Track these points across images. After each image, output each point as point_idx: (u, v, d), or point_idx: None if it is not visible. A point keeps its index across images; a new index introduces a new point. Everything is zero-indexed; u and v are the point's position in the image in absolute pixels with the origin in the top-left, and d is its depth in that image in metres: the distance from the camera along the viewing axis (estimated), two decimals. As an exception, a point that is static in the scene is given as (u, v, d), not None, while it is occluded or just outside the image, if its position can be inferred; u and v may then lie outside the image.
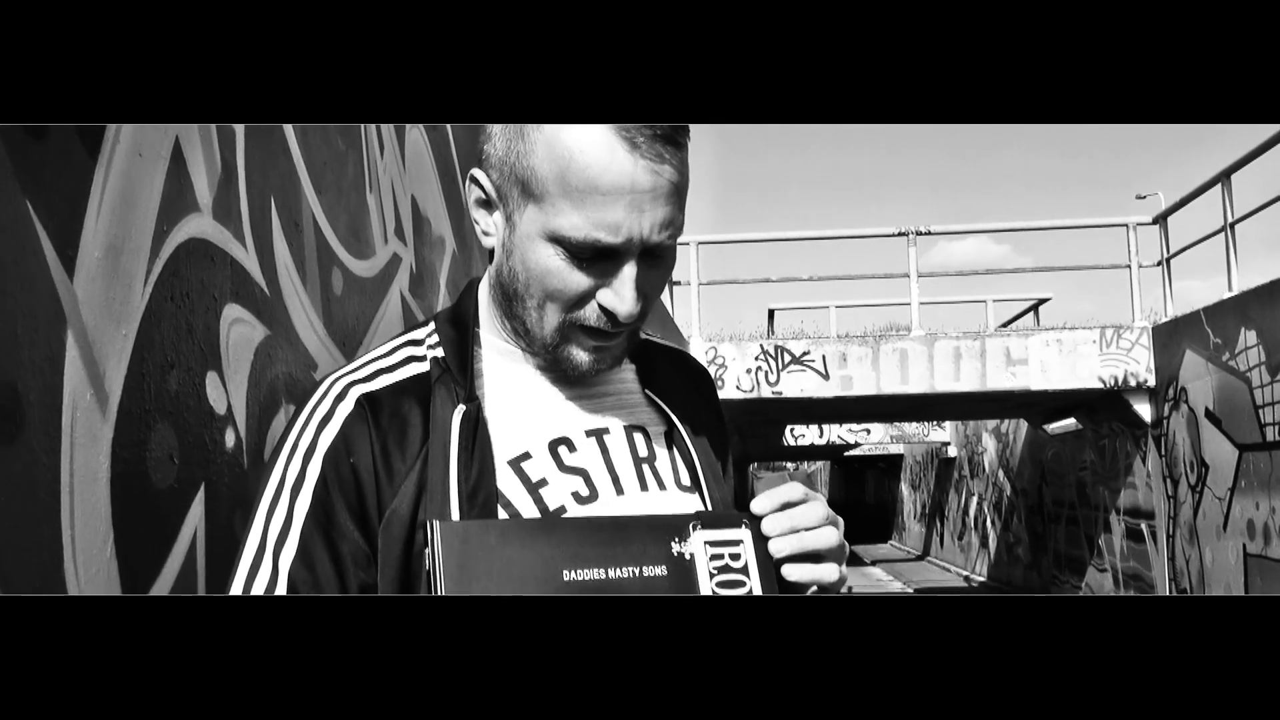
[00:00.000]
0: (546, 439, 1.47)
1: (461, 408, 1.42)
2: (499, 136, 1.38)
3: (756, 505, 1.40)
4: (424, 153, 3.29)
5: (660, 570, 1.33)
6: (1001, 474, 22.16)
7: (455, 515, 1.35)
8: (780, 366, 13.66)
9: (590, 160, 1.30)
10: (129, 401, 1.64)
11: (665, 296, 13.34)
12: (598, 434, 1.50)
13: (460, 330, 1.50)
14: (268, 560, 1.36)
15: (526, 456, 1.44)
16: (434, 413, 1.41)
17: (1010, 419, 20.48)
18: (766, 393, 13.57)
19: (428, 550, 1.26)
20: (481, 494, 1.38)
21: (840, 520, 1.44)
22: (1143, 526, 14.28)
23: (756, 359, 13.65)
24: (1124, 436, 14.58)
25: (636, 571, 1.31)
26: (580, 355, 1.43)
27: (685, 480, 1.54)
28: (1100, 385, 13.29)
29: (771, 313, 19.04)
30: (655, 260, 1.39)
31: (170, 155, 1.79)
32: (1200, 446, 12.27)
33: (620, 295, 1.36)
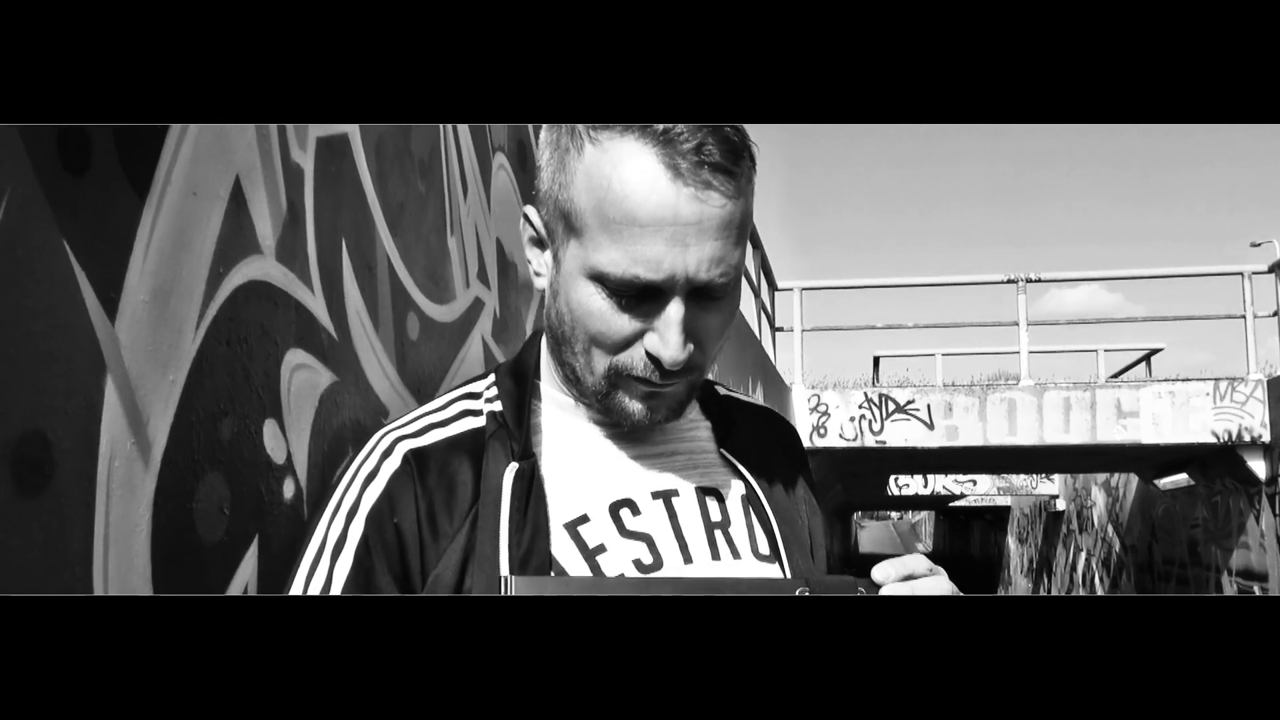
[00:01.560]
0: (607, 501, 1.36)
1: (515, 465, 1.32)
2: (545, 169, 1.29)
3: (878, 573, 1.27)
4: (511, 194, 3.22)
5: None
6: (1110, 529, 21.67)
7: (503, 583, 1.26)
8: (884, 415, 13.45)
9: (629, 190, 1.19)
10: (174, 450, 1.57)
11: (767, 343, 13.22)
12: (665, 496, 1.39)
13: (520, 382, 1.41)
14: None
15: (584, 519, 1.34)
16: (486, 471, 1.32)
17: (1120, 473, 20.03)
18: (870, 442, 13.37)
19: None
20: (535, 560, 1.28)
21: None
22: (1255, 588, 13.83)
23: (860, 407, 13.46)
24: (1237, 494, 14.16)
25: None
26: (632, 405, 1.32)
27: (764, 549, 1.42)
28: (1214, 440, 12.93)
29: (877, 360, 18.83)
30: (709, 302, 1.27)
31: (229, 195, 1.72)
32: (1319, 506, 11.88)
33: (665, 339, 1.24)
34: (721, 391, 1.55)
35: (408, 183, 2.45)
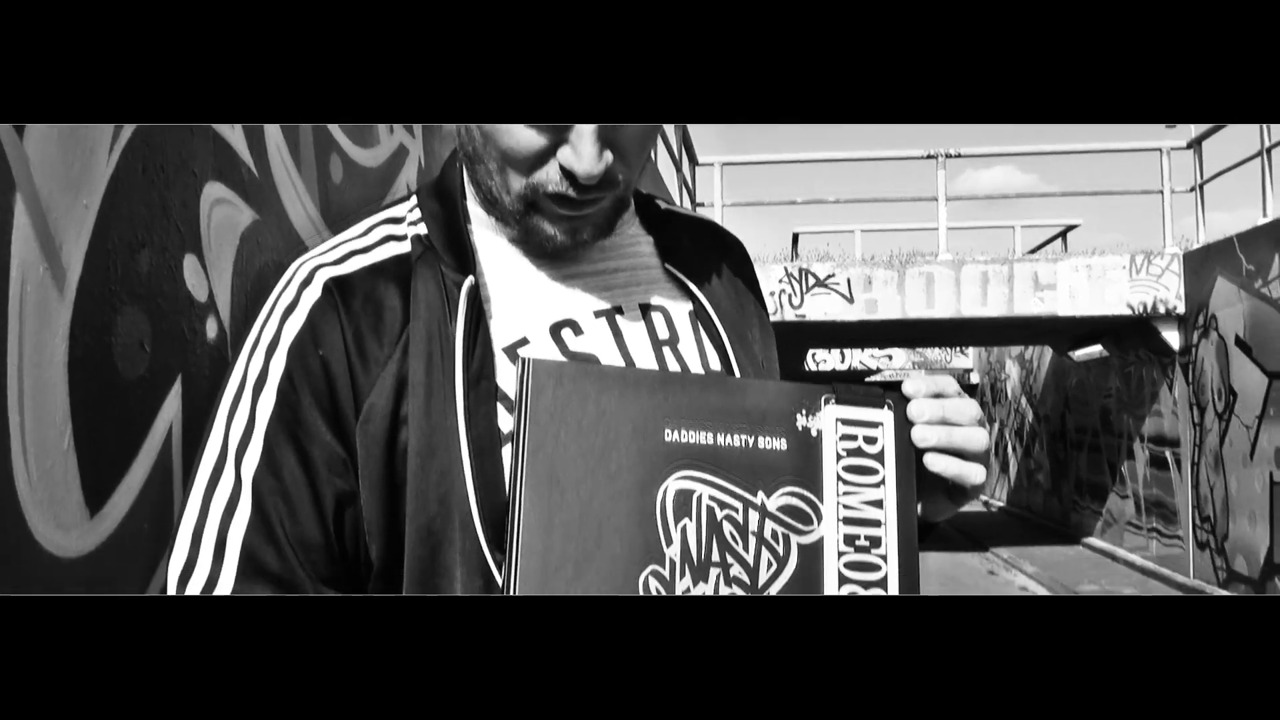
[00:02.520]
0: (547, 322, 1.30)
1: (470, 280, 1.25)
2: None
3: (909, 385, 1.24)
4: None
5: (779, 443, 1.17)
6: (1024, 401, 21.99)
7: (460, 406, 1.19)
8: (804, 289, 13.47)
9: None
10: (90, 280, 1.48)
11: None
12: (608, 315, 1.33)
13: (446, 203, 1.33)
14: (229, 468, 1.21)
15: (523, 342, 1.28)
16: (415, 295, 1.25)
17: (1036, 346, 20.28)
18: (790, 316, 13.39)
19: (516, 390, 1.11)
20: (486, 382, 1.21)
21: (988, 426, 1.27)
22: (1167, 454, 14.12)
23: (780, 282, 13.45)
24: (1151, 364, 14.39)
25: (750, 440, 1.15)
26: (548, 228, 1.26)
27: (715, 365, 1.36)
28: (1129, 312, 13.08)
29: (796, 236, 18.82)
30: None
31: (142, 12, 1.62)
32: (1229, 374, 12.08)
33: (578, 151, 1.18)
34: (663, 206, 1.48)
35: (328, 18, 2.34)
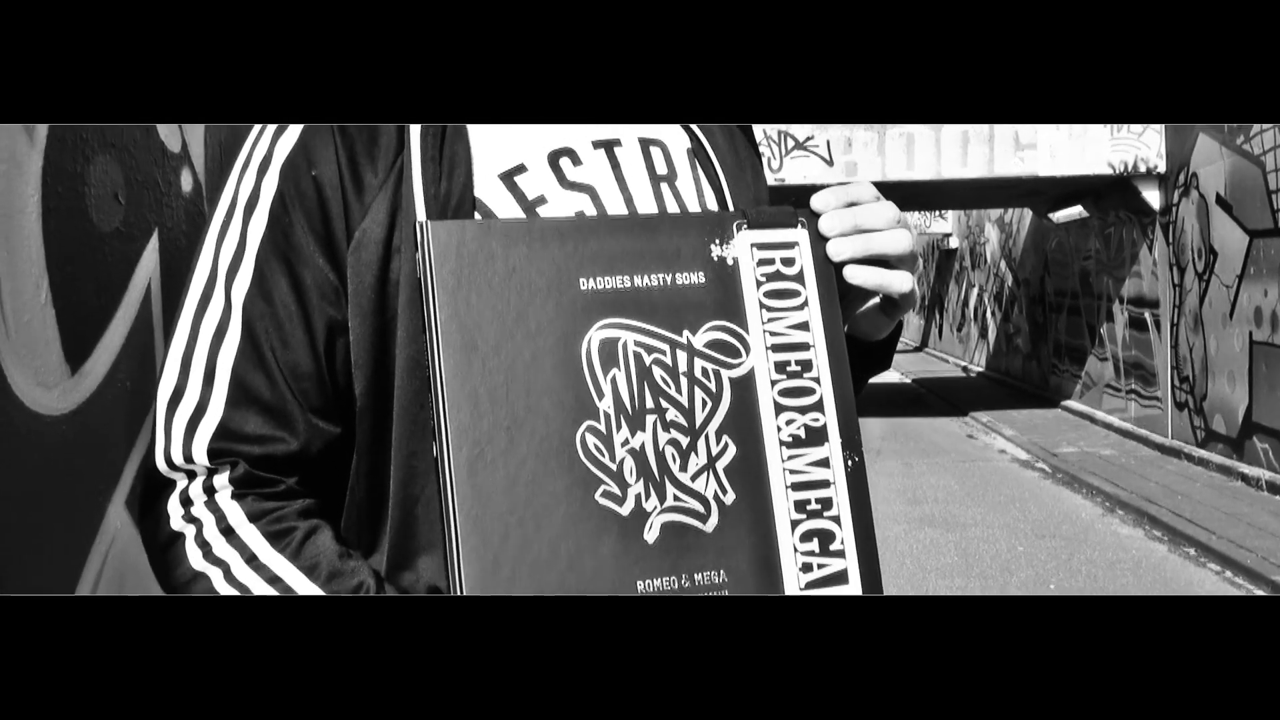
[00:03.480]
0: (545, 150, 1.25)
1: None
2: None
3: (817, 201, 1.18)
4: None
5: (697, 277, 1.12)
6: (1004, 264, 22.01)
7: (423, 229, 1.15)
8: (784, 152, 13.37)
9: None
10: (60, 125, 1.42)
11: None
12: (607, 146, 1.28)
13: None
14: (219, 292, 1.17)
15: (521, 169, 1.23)
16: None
17: (1015, 208, 20.24)
18: (769, 180, 13.21)
19: (418, 256, 1.06)
20: (451, 214, 1.17)
21: (911, 223, 1.22)
22: (1146, 315, 14.16)
23: (759, 144, 13.33)
24: (1131, 224, 14.37)
25: (668, 279, 1.11)
26: None
27: (711, 203, 1.32)
28: (1110, 171, 13.04)
29: (773, 98, 18.65)
30: None
31: None
32: (1209, 233, 12.08)
33: None
34: None
35: None
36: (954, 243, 26.53)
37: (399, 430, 1.16)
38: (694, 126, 1.35)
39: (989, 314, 23.57)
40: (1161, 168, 12.99)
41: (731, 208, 1.32)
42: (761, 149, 13.13)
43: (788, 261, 1.16)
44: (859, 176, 13.17)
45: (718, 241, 1.13)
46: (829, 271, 1.18)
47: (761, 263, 1.15)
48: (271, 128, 1.20)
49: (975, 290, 24.66)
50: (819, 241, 1.18)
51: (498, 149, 1.22)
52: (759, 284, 1.14)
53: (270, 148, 1.19)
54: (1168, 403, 13.47)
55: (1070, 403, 17.32)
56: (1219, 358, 11.97)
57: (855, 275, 1.18)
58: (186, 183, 1.74)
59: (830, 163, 13.29)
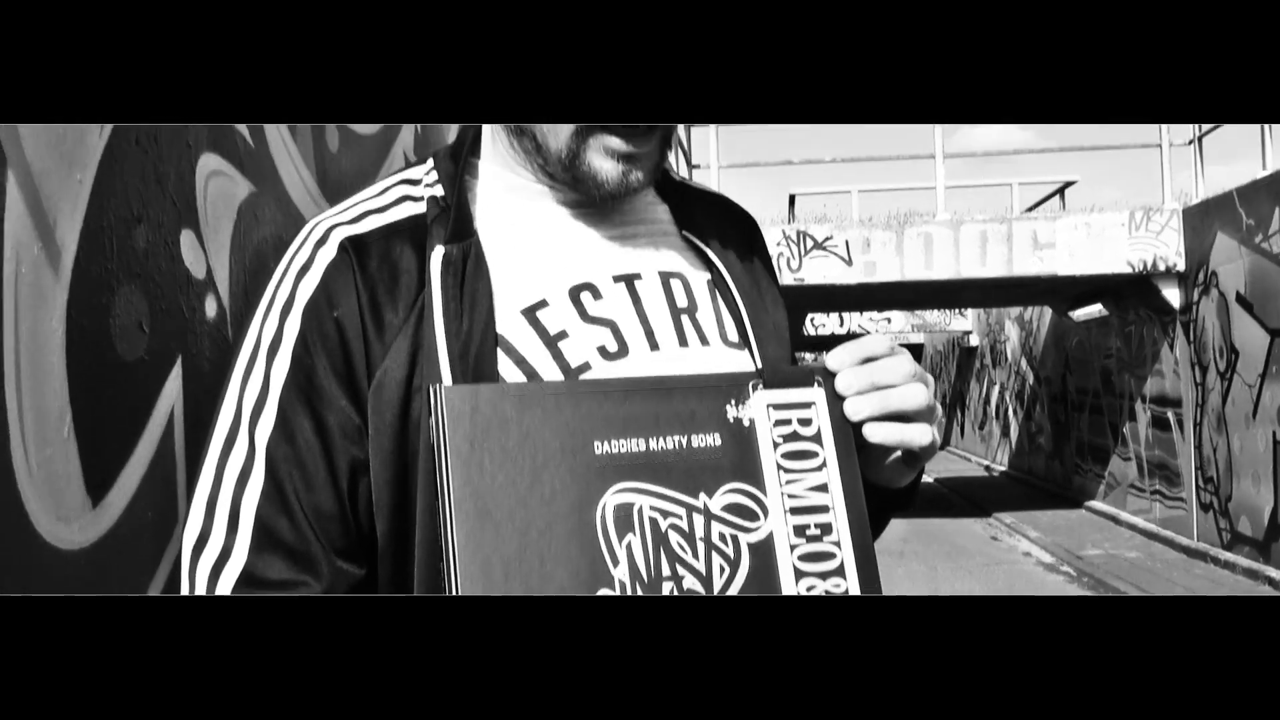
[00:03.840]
0: (567, 285, 1.25)
1: (440, 249, 1.21)
2: None
3: (832, 360, 1.17)
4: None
5: (713, 439, 1.11)
6: (1024, 362, 21.95)
7: (446, 378, 1.14)
8: (803, 252, 13.40)
9: None
10: (86, 259, 1.43)
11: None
12: (628, 279, 1.28)
13: (457, 165, 1.28)
14: (243, 435, 1.18)
15: (543, 304, 1.23)
16: (430, 258, 1.20)
17: (1035, 306, 20.23)
18: (788, 280, 13.32)
19: (431, 421, 1.05)
20: (474, 351, 1.17)
21: (930, 379, 1.21)
22: (1169, 414, 14.08)
23: (778, 245, 13.38)
24: (1151, 323, 14.34)
25: (683, 441, 1.10)
26: (605, 165, 1.21)
27: (733, 335, 1.32)
28: (1129, 270, 13.02)
29: (793, 198, 18.74)
30: None
31: (132, -22, 1.56)
32: (1230, 332, 12.03)
33: None
34: (676, 178, 1.44)
35: (323, -16, 2.28)
36: (974, 340, 26.49)
37: (420, 575, 1.15)
38: (713, 256, 1.35)
39: (1011, 412, 23.47)
40: (1181, 266, 12.98)
41: (752, 338, 1.31)
42: (780, 248, 13.22)
43: (805, 421, 1.15)
44: (878, 276, 13.20)
45: (733, 403, 1.13)
46: (847, 430, 1.17)
47: (778, 423, 1.14)
48: (295, 268, 1.21)
49: (997, 388, 24.59)
50: (836, 400, 1.17)
51: (519, 285, 1.22)
52: (776, 445, 1.13)
53: (293, 290, 1.19)
54: (1192, 504, 13.34)
55: (1094, 503, 17.17)
56: (1243, 458, 11.87)
57: (874, 433, 1.18)
58: (211, 309, 1.75)
59: (849, 262, 13.31)
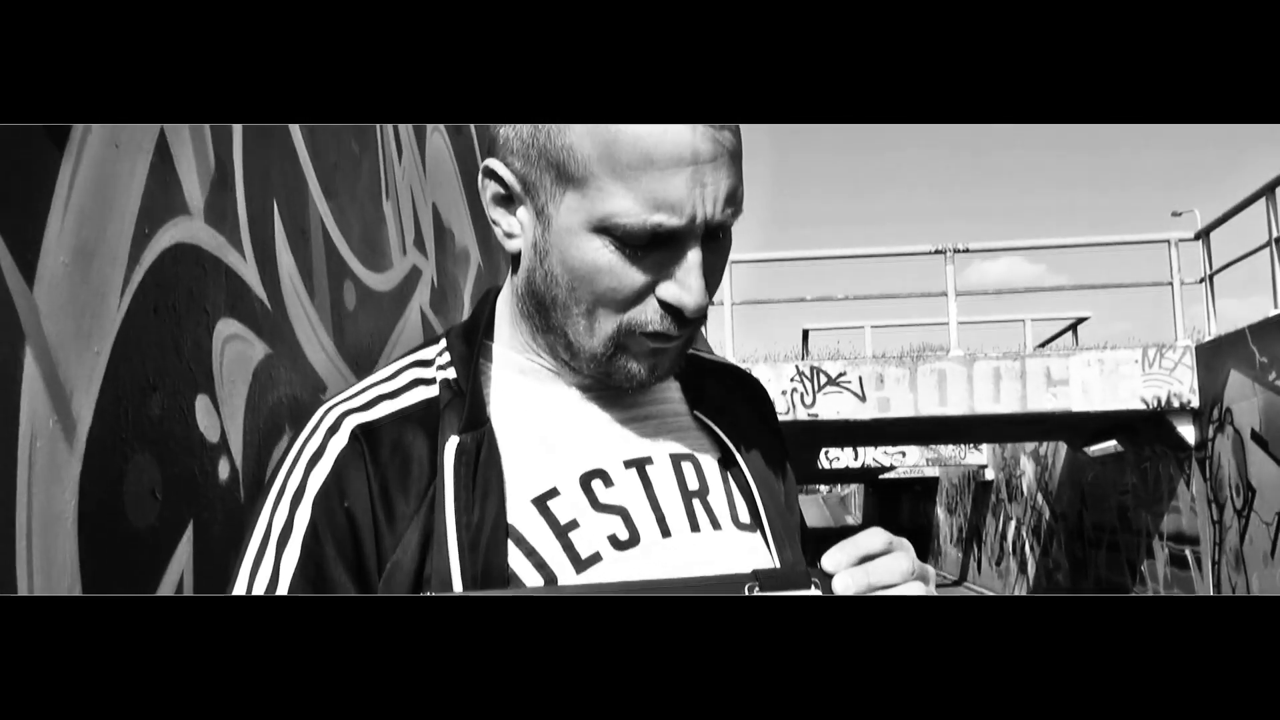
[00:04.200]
0: (577, 472, 1.24)
1: (455, 439, 1.20)
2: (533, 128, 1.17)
3: (828, 561, 1.16)
4: (447, 158, 3.09)
5: None
6: (1040, 498, 21.83)
7: (455, 570, 1.14)
8: (816, 388, 13.41)
9: (642, 130, 1.09)
10: (101, 429, 1.43)
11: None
12: (639, 465, 1.28)
13: (471, 348, 1.28)
14: None
15: (553, 493, 1.22)
16: (442, 445, 1.20)
17: (1050, 441, 20.17)
18: (802, 415, 13.32)
19: None
20: (484, 543, 1.16)
21: (930, 572, 1.20)
22: (1186, 552, 13.95)
23: (792, 380, 13.40)
24: (1167, 459, 14.27)
25: None
26: (635, 365, 1.21)
27: (744, 517, 1.31)
28: (1143, 406, 13.00)
29: (806, 333, 18.81)
30: (714, 244, 1.17)
31: (154, 149, 1.58)
32: (1246, 469, 11.97)
33: (686, 286, 1.14)
34: (688, 350, 1.44)
35: (340, 143, 2.32)
36: (990, 474, 26.38)
37: None
38: (723, 436, 1.34)
39: (1027, 548, 23.28)
40: (1195, 403, 12.96)
41: (764, 516, 1.31)
42: (794, 384, 13.24)
43: None
44: (892, 412, 13.19)
45: None
46: None
47: None
48: (306, 456, 1.20)
49: (1013, 523, 24.42)
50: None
51: (531, 472, 1.22)
52: None
53: (304, 478, 1.19)
54: (1213, 642, 13.17)
55: (1113, 640, 16.95)
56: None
57: None
58: (224, 472, 1.75)
59: (863, 398, 13.32)
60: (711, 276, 1.18)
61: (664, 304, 1.16)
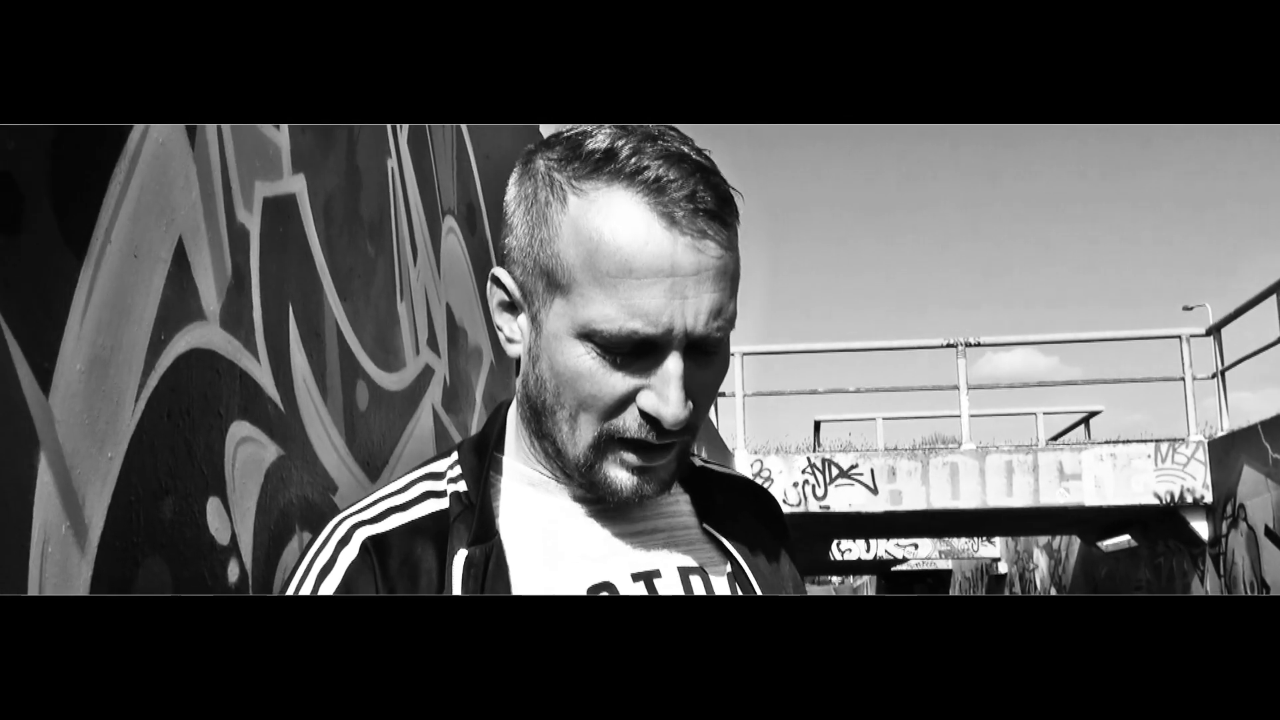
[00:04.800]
0: (585, 585, 1.25)
1: (464, 552, 1.21)
2: (520, 225, 1.19)
3: None
4: (461, 258, 3.13)
5: None
6: (1054, 591, 21.68)
7: None
8: (828, 480, 13.40)
9: (623, 241, 1.11)
10: (112, 534, 1.45)
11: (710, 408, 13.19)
12: (647, 578, 1.29)
13: (482, 459, 1.30)
14: None
15: None
16: (450, 557, 1.21)
17: (1062, 535, 20.06)
18: (814, 507, 13.29)
19: None
20: None
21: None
22: (1202, 648, 13.82)
23: (804, 472, 13.39)
24: (1180, 555, 14.19)
25: None
26: (620, 476, 1.22)
27: None
28: (1156, 501, 12.96)
29: (818, 425, 18.80)
30: (704, 358, 1.18)
31: (171, 258, 1.62)
32: (1260, 566, 11.89)
33: (663, 396, 1.15)
34: (698, 462, 1.45)
35: (356, 246, 2.35)
36: (1003, 568, 26.22)
37: None
38: (732, 549, 1.35)
39: (1040, 641, 23.06)
40: (1208, 498, 12.91)
41: None
42: (806, 476, 13.21)
43: None
44: (904, 505, 13.16)
45: None
46: None
47: None
48: (317, 568, 1.22)
49: (1025, 617, 24.20)
50: None
51: (539, 586, 1.22)
52: None
53: (314, 590, 1.20)
54: (1229, 741, 13.01)
55: (1128, 737, 16.76)
56: (1279, 695, 11.62)
57: None
58: (234, 574, 1.76)
59: (875, 491, 13.30)
60: (697, 391, 1.18)
61: (644, 413, 1.17)
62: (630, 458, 1.20)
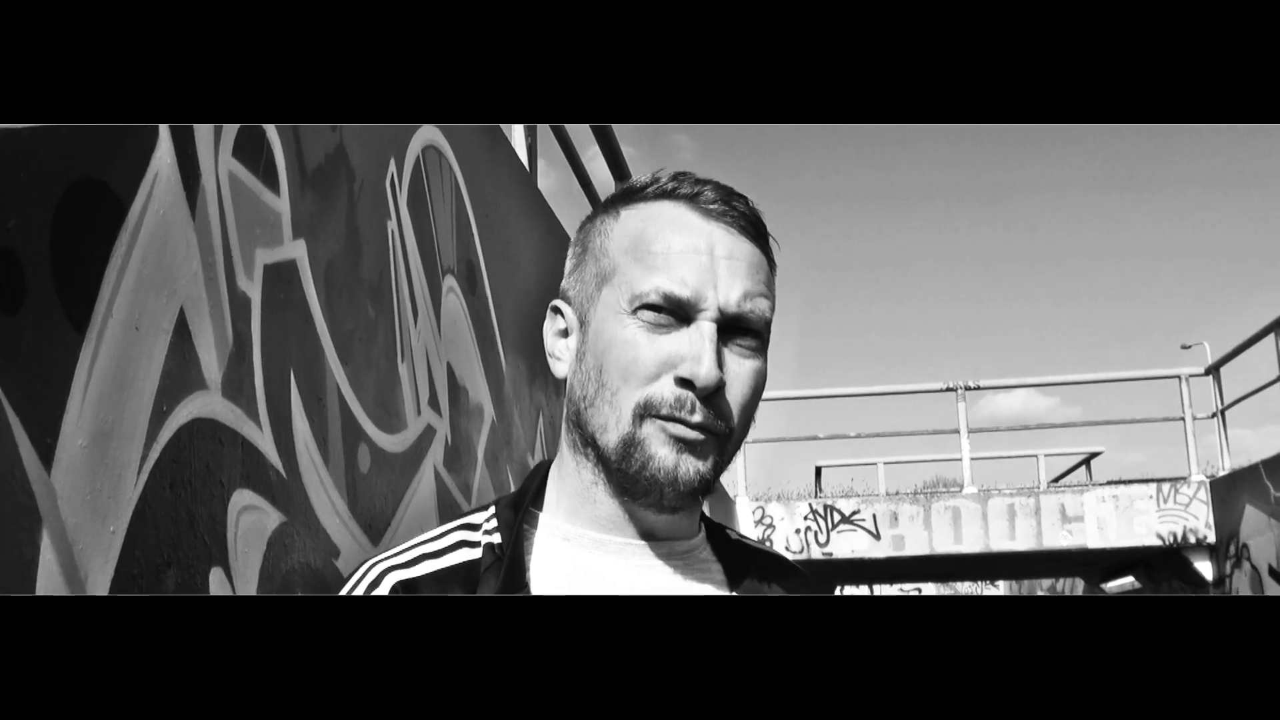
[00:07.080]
0: None
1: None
2: (579, 256, 1.33)
3: None
4: (461, 317, 3.13)
5: None
6: (1058, 634, 21.59)
7: None
8: (830, 526, 13.36)
9: (664, 224, 1.26)
10: (116, 608, 1.44)
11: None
12: None
13: (519, 513, 1.31)
14: None
15: None
16: None
17: (1066, 577, 20.00)
18: (817, 554, 13.25)
19: None
20: None
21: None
22: (1209, 690, 13.76)
23: (806, 519, 13.36)
24: (1185, 595, 14.14)
25: None
26: (661, 452, 1.23)
27: None
28: (1159, 542, 12.92)
29: (819, 470, 18.78)
30: (741, 346, 1.26)
31: (173, 328, 1.61)
32: (1267, 606, 11.85)
33: (698, 359, 1.21)
34: (733, 535, 1.47)
35: (357, 308, 2.35)
36: (1006, 610, 26.15)
37: None
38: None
39: (1046, 685, 22.97)
40: (1211, 538, 12.88)
41: None
42: (808, 523, 13.18)
43: None
44: (906, 550, 13.12)
45: None
46: None
47: None
48: None
49: (1030, 660, 24.13)
50: None
51: None
52: None
53: None
54: (1238, 783, 12.93)
55: (1136, 780, 16.65)
56: (1288, 736, 11.55)
57: None
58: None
59: (877, 536, 13.26)
60: (735, 380, 1.25)
61: (679, 380, 1.21)
62: (670, 427, 1.23)
